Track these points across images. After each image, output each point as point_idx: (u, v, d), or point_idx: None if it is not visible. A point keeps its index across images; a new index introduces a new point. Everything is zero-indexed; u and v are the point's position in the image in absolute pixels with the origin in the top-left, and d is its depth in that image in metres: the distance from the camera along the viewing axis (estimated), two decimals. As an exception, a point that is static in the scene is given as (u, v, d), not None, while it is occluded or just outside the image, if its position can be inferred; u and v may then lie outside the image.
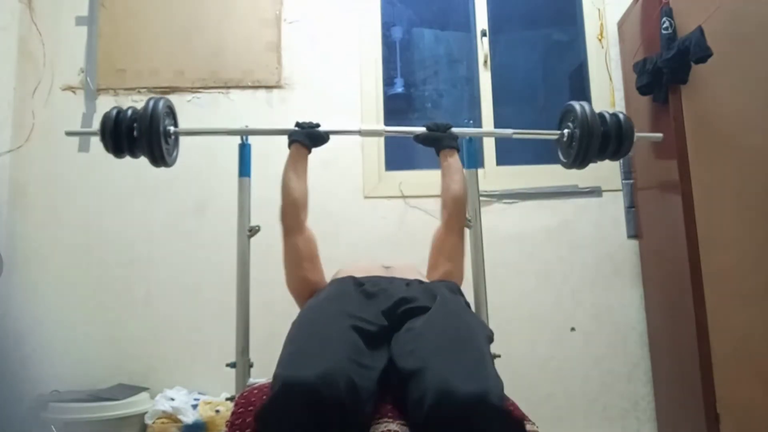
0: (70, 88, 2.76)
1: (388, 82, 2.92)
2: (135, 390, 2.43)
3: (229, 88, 2.77)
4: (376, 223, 2.67)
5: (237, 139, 1.96)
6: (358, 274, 1.50)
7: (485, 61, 2.86)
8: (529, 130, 2.02)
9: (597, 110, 1.71)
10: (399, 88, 3.00)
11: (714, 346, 2.10)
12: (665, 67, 2.23)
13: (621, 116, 1.64)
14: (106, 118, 1.60)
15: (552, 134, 1.78)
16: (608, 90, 2.80)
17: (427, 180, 2.76)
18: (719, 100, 2.22)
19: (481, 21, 2.90)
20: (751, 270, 2.12)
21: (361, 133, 1.91)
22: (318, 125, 1.82)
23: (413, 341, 1.20)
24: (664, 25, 2.24)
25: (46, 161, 2.69)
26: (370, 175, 2.72)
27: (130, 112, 1.61)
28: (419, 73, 3.12)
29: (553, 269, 2.64)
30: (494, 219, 2.62)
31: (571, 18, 3.01)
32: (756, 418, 2.03)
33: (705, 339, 2.11)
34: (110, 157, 1.78)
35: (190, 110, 2.74)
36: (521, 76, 3.16)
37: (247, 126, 1.96)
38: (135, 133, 1.60)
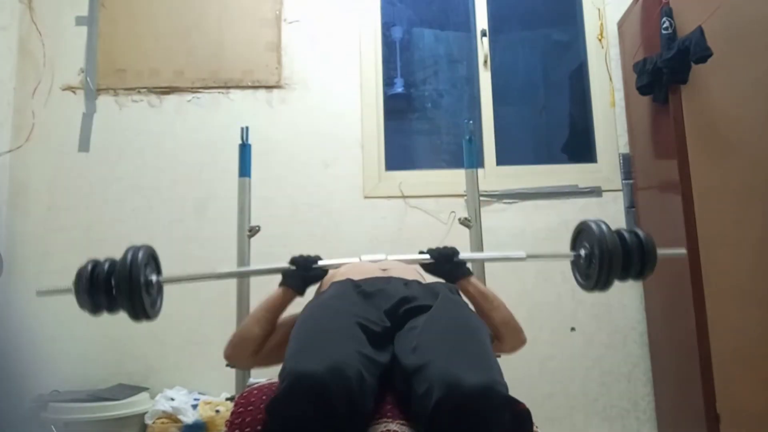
0: (70, 88, 2.76)
1: (388, 82, 2.92)
2: (135, 390, 2.43)
3: (229, 88, 2.77)
4: (376, 223, 2.67)
5: (237, 139, 1.96)
6: (356, 277, 1.50)
7: (485, 61, 2.86)
8: (543, 253, 1.83)
9: (613, 226, 1.51)
10: (399, 88, 3.00)
11: (714, 346, 2.10)
12: (665, 67, 2.23)
13: (641, 234, 1.48)
14: (81, 272, 1.43)
15: (567, 256, 1.60)
16: (608, 90, 2.80)
17: (427, 180, 2.77)
18: (719, 100, 2.22)
19: (481, 21, 2.90)
20: (751, 270, 2.12)
21: (362, 261, 1.66)
22: (317, 260, 1.57)
23: (416, 338, 1.20)
24: (664, 25, 2.24)
25: (46, 161, 2.69)
26: (370, 175, 2.72)
27: (107, 265, 1.42)
28: (419, 73, 3.12)
29: (553, 269, 2.64)
30: (494, 219, 2.62)
31: (571, 18, 3.01)
32: (756, 418, 2.03)
33: (705, 339, 2.11)
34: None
35: (190, 110, 2.74)
36: (521, 76, 3.16)
37: (247, 126, 1.96)
38: (113, 289, 1.40)
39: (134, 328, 2.56)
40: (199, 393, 2.46)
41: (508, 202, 2.70)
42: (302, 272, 1.53)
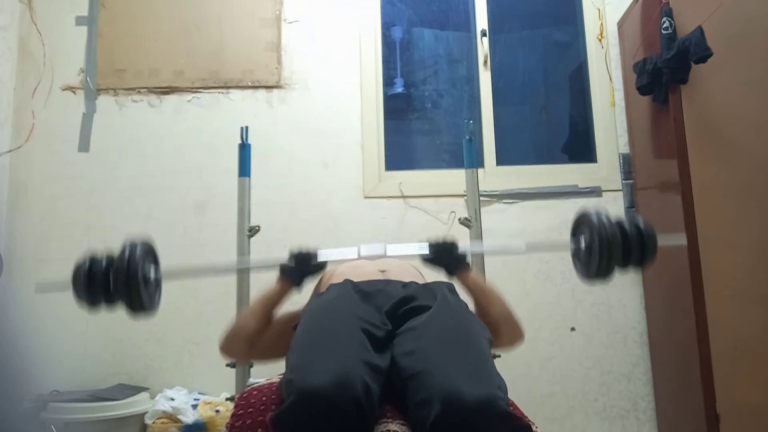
0: (70, 88, 2.76)
1: (388, 82, 2.92)
2: (135, 390, 2.43)
3: (229, 88, 2.77)
4: (376, 223, 2.67)
5: (237, 139, 1.96)
6: (355, 279, 1.49)
7: (485, 61, 2.86)
8: (542, 243, 1.81)
9: (612, 216, 1.49)
10: (399, 88, 3.00)
11: (714, 346, 2.10)
12: (665, 67, 2.23)
13: (640, 223, 1.46)
14: (78, 268, 1.41)
15: (567, 246, 1.60)
16: (608, 90, 2.80)
17: (427, 180, 2.77)
18: (719, 100, 2.22)
19: (481, 21, 2.90)
20: (751, 270, 2.12)
21: (360, 256, 1.61)
22: (315, 255, 1.53)
23: (414, 341, 1.19)
24: (664, 25, 2.24)
25: (46, 161, 2.69)
26: (370, 175, 2.72)
27: (105, 262, 1.40)
28: (419, 73, 3.12)
29: (553, 269, 2.64)
30: (494, 219, 2.63)
31: (571, 18, 3.01)
32: (756, 418, 2.03)
33: (705, 339, 2.11)
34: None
35: (190, 110, 2.74)
36: (521, 76, 3.16)
37: (247, 126, 1.96)
38: (111, 285, 1.39)
39: (134, 328, 2.58)
40: (199, 393, 2.46)
41: (508, 202, 2.70)
42: (301, 267, 1.50)
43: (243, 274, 1.84)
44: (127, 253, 1.37)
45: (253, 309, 1.51)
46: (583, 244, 1.49)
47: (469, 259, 1.57)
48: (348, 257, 1.57)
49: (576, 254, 1.53)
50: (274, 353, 1.49)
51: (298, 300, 1.51)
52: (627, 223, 1.44)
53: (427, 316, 1.27)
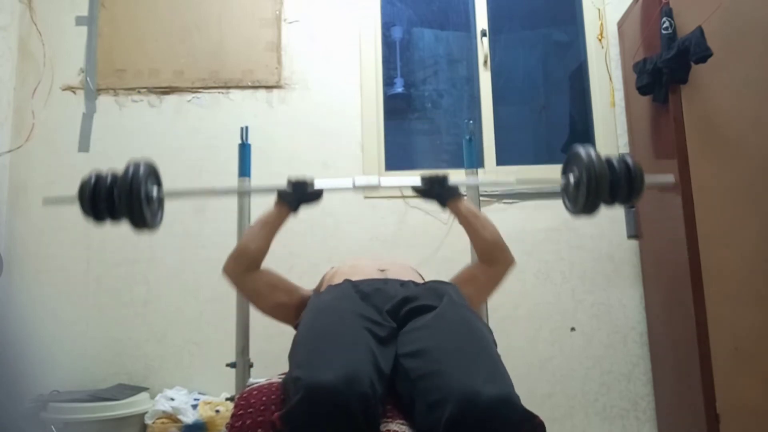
0: (70, 88, 2.76)
1: (388, 82, 2.92)
2: (135, 390, 2.43)
3: (229, 88, 2.77)
4: (376, 223, 2.67)
5: (237, 139, 1.96)
6: (354, 278, 1.49)
7: (485, 61, 2.86)
8: (531, 180, 1.86)
9: (603, 155, 1.53)
10: (399, 88, 3.00)
11: (714, 346, 2.10)
12: (665, 67, 2.23)
13: (629, 160, 1.50)
14: (84, 183, 1.47)
15: (555, 182, 1.66)
16: (608, 90, 2.80)
17: (427, 180, 2.77)
18: (719, 100, 2.22)
19: (481, 21, 2.90)
20: (751, 270, 2.12)
21: (355, 187, 1.71)
22: (312, 183, 1.61)
23: (421, 341, 1.19)
24: (664, 25, 2.24)
25: (46, 161, 2.69)
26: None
27: (109, 178, 1.47)
28: (419, 73, 3.12)
29: (553, 269, 2.64)
30: (494, 219, 2.60)
31: (571, 18, 3.01)
32: (756, 418, 2.03)
33: (705, 339, 2.11)
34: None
35: (190, 110, 2.74)
36: (521, 76, 3.16)
37: (247, 126, 1.96)
38: (115, 201, 1.45)
39: (134, 328, 2.58)
40: (199, 393, 2.46)
41: (508, 202, 2.70)
42: (298, 192, 1.58)
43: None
44: (130, 171, 1.44)
45: (253, 230, 1.58)
46: (572, 180, 1.54)
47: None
48: (342, 186, 1.70)
49: (565, 189, 1.60)
50: (263, 298, 1.54)
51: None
52: (616, 161, 1.50)
53: (433, 316, 1.27)
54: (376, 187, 1.73)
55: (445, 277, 1.63)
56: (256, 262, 1.53)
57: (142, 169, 1.44)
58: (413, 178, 1.63)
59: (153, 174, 1.51)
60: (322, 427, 1.00)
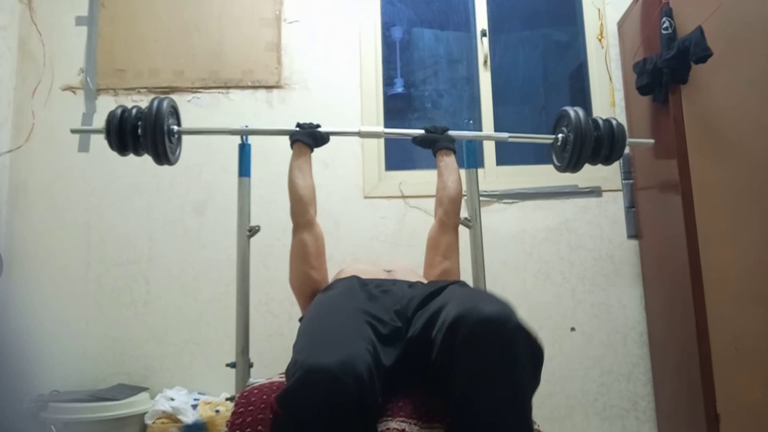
0: (70, 88, 2.76)
1: (388, 82, 2.92)
2: (135, 390, 2.43)
3: (229, 88, 2.77)
4: (376, 223, 2.67)
5: (237, 139, 1.96)
6: (362, 276, 1.51)
7: (485, 61, 2.86)
8: (525, 134, 2.02)
9: (591, 116, 1.76)
10: (399, 88, 3.00)
11: (714, 346, 2.10)
12: (665, 67, 2.23)
13: (614, 122, 1.71)
14: (111, 116, 1.59)
15: (546, 138, 1.80)
16: (608, 90, 2.80)
17: (427, 180, 2.76)
18: (719, 100, 2.22)
19: (481, 21, 2.90)
20: (751, 270, 2.12)
21: (361, 134, 1.94)
22: (318, 126, 1.83)
23: (433, 305, 1.25)
24: (664, 25, 2.24)
25: (46, 161, 2.69)
26: (370, 175, 2.72)
27: (134, 111, 1.61)
28: (419, 73, 3.12)
29: (553, 269, 2.64)
30: (494, 219, 2.63)
31: (571, 18, 3.01)
32: (756, 418, 2.03)
33: (705, 339, 2.11)
34: (110, 156, 1.78)
35: (190, 110, 2.74)
36: (521, 76, 3.16)
37: (247, 126, 1.96)
38: (139, 132, 1.61)
39: (134, 328, 2.58)
40: (199, 393, 2.46)
41: (508, 202, 2.70)
42: (308, 129, 1.81)
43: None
44: (155, 106, 1.57)
45: (293, 174, 1.76)
46: (560, 139, 1.72)
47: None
48: (349, 131, 1.95)
49: (553, 145, 1.78)
50: (304, 258, 1.68)
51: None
52: (601, 121, 1.67)
53: (442, 295, 1.31)
54: (379, 135, 1.99)
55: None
56: (312, 198, 1.73)
57: (165, 105, 1.57)
58: (416, 131, 1.85)
59: (175, 112, 1.66)
60: (318, 409, 1.01)
